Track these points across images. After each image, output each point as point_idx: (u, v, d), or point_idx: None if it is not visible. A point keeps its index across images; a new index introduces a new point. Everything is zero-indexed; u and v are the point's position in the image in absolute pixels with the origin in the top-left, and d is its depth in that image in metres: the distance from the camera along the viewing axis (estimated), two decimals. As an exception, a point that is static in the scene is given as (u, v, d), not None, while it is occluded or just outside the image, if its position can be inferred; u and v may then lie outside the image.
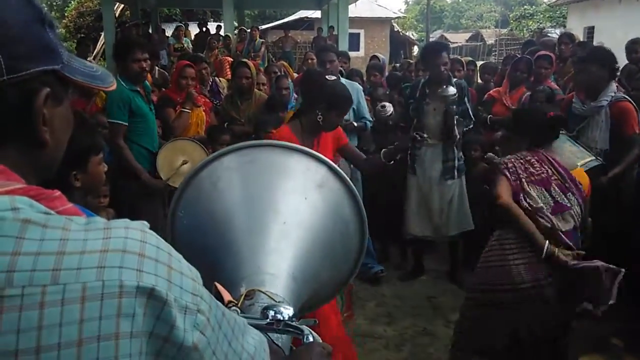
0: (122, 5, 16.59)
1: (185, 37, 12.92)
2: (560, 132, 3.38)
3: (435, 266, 4.55)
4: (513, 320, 2.61)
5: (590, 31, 16.16)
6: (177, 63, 4.49)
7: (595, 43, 13.45)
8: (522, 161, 2.69)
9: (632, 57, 5.21)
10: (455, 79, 4.08)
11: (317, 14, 18.56)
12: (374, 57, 6.08)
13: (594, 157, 3.27)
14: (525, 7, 35.22)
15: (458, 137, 3.91)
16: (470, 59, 6.45)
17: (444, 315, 3.81)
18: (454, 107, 3.85)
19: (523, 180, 2.63)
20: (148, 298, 0.57)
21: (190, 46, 12.24)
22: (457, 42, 34.31)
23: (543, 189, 2.63)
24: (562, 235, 2.58)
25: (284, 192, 1.46)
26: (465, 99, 4.02)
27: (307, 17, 21.93)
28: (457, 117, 3.89)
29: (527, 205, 2.58)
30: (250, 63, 4.55)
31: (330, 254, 1.48)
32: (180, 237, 1.43)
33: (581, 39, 12.95)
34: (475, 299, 2.78)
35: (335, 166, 1.53)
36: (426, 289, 4.23)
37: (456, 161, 4.00)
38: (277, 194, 1.44)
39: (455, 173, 4.01)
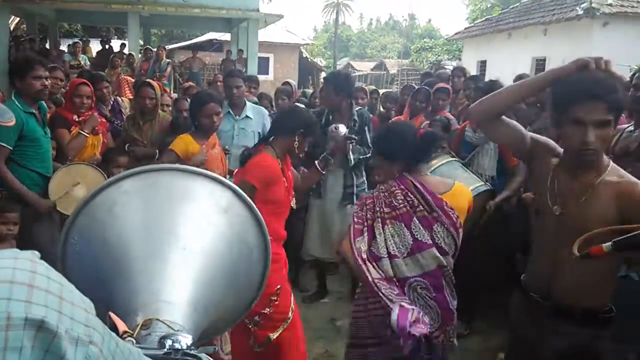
0: (18, 19, 15.61)
1: (83, 53, 12.34)
2: (454, 159, 3.62)
3: (339, 287, 4.63)
4: None
5: (482, 64, 17.44)
6: (72, 81, 4.30)
7: (487, 75, 14.57)
8: (385, 194, 2.40)
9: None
10: (357, 108, 4.23)
11: (226, 36, 18.53)
12: (286, 82, 6.17)
13: (483, 183, 3.52)
14: (425, 40, 37.45)
15: (352, 163, 4.03)
16: (373, 87, 6.74)
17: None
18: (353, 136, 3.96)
19: (378, 220, 2.37)
20: (37, 330, 0.55)
21: (88, 63, 11.70)
22: (362, 70, 35.62)
23: (403, 225, 2.33)
24: (394, 286, 2.30)
25: (185, 217, 1.43)
26: (366, 127, 4.14)
27: (216, 39, 21.81)
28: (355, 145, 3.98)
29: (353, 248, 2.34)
30: (155, 83, 4.44)
31: (232, 281, 1.46)
32: (73, 265, 1.35)
33: (474, 72, 13.95)
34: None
35: (241, 191, 1.52)
36: (329, 311, 4.28)
37: (355, 187, 4.12)
38: (178, 219, 1.40)
39: (354, 199, 4.12)
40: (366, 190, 4.22)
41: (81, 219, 1.29)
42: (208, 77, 14.87)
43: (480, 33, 18.23)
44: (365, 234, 2.36)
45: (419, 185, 2.36)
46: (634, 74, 3.29)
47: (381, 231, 2.34)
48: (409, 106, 4.96)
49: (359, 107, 4.34)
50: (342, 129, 3.92)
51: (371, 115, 5.27)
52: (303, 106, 4.16)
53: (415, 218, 2.32)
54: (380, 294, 2.25)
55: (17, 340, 0.54)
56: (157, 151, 4.01)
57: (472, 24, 21.57)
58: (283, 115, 3.18)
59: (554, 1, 15.55)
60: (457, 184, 2.50)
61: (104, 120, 4.17)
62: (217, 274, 1.35)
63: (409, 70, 28.87)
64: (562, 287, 1.92)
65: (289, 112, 3.13)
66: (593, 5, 12.54)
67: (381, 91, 7.29)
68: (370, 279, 2.27)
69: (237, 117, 4.29)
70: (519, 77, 5.89)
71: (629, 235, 1.04)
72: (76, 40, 13.72)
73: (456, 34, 20.98)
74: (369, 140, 4.15)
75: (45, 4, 12.28)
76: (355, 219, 2.41)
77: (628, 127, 3.01)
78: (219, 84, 6.27)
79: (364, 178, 4.25)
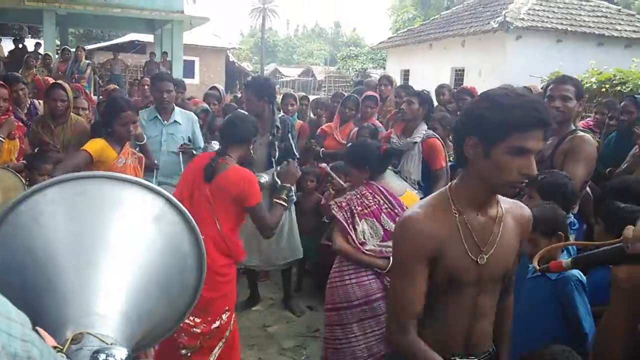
0: None
1: (-7, 53, 11.58)
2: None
3: (270, 294, 4.62)
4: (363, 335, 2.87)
5: (406, 73, 18.03)
6: (-15, 81, 4.01)
7: (411, 84, 15.03)
8: (358, 196, 2.96)
9: (440, 99, 5.93)
10: (280, 114, 4.24)
11: (149, 37, 18.01)
12: (214, 87, 6.09)
13: (414, 189, 3.64)
14: (351, 48, 38.18)
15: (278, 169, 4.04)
16: (303, 94, 6.78)
17: (278, 343, 3.88)
18: (277, 142, 3.99)
19: (355, 215, 2.91)
20: None
21: (1, 64, 11.00)
22: (290, 76, 35.80)
23: (374, 220, 2.92)
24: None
25: (116, 226, 1.38)
26: (289, 134, 4.13)
27: (138, 41, 21.13)
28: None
29: (351, 240, 2.89)
30: (66, 85, 4.22)
31: (166, 289, 1.43)
32: (-4, 278, 1.26)
33: (398, 81, 14.42)
34: (330, 318, 2.98)
35: (174, 199, 1.49)
36: (261, 318, 4.26)
37: None
38: (109, 228, 1.35)
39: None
40: (294, 197, 4.24)
41: (4, 228, 1.22)
42: (130, 79, 14.37)
43: (403, 43, 18.83)
44: (351, 227, 2.91)
45: (382, 189, 2.97)
46: (547, 85, 3.51)
47: (360, 225, 2.91)
48: (339, 113, 5.05)
49: (282, 114, 4.36)
50: (262, 179, 3.84)
51: (300, 122, 5.32)
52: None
53: (383, 213, 2.93)
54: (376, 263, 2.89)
55: None
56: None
57: (395, 34, 22.25)
58: (236, 123, 3.03)
59: (471, 14, 16.36)
60: (407, 190, 3.15)
61: (20, 124, 3.93)
62: (150, 283, 1.32)
63: (335, 77, 29.33)
64: (478, 337, 1.71)
65: (242, 120, 3.04)
66: (507, 19, 13.30)
67: (311, 97, 7.34)
68: (367, 259, 2.88)
69: (165, 122, 4.16)
70: (441, 87, 6.17)
71: (589, 252, 1.07)
72: (-14, 38, 12.85)
73: (380, 43, 21.55)
74: (293, 147, 4.15)
75: (-50, -2, 11.42)
76: (341, 220, 2.92)
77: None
78: (146, 87, 6.08)
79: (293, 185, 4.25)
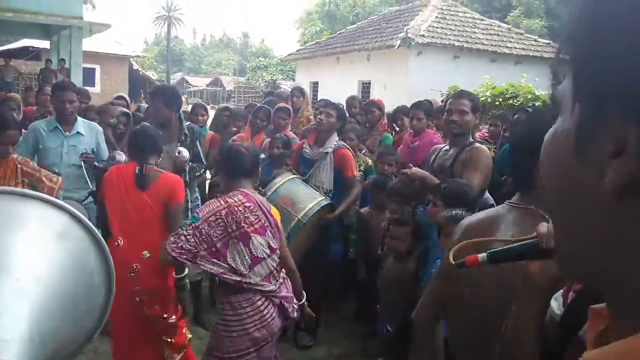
0: None
1: None
2: (295, 176, 3.78)
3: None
4: None
5: (315, 85, 18.34)
6: None
7: (319, 95, 15.33)
8: (241, 209, 2.57)
9: (351, 111, 6.09)
10: (188, 123, 4.18)
11: (45, 43, 16.94)
12: (121, 97, 5.84)
13: (324, 197, 3.71)
14: (260, 59, 38.26)
15: (188, 181, 3.98)
16: (225, 105, 6.66)
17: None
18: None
19: (248, 232, 2.58)
20: None
21: None
22: (198, 86, 35.16)
23: (262, 237, 2.62)
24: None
25: (16, 244, 1.31)
26: (197, 142, 4.09)
27: (32, 47, 19.81)
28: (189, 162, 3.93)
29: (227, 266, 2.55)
30: None
31: (71, 309, 1.36)
32: None
33: (308, 93, 14.61)
34: None
35: (79, 214, 1.43)
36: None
37: (189, 203, 4.04)
38: (8, 247, 1.28)
39: (189, 213, 4.03)
40: (199, 205, 4.17)
41: None
42: (23, 86, 13.44)
43: (312, 55, 19.16)
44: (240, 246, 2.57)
45: (260, 203, 2.68)
46: (446, 100, 3.73)
47: (252, 241, 2.57)
48: (250, 124, 5.04)
49: (189, 122, 4.29)
50: (185, 153, 3.85)
51: (212, 132, 5.23)
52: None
53: (268, 230, 2.65)
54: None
55: None
56: None
57: (304, 47, 22.58)
58: (151, 134, 3.18)
59: (375, 30, 17.00)
60: (272, 207, 2.86)
61: None
62: (54, 303, 1.26)
63: (245, 88, 29.20)
64: None
65: (153, 130, 3.23)
66: (409, 35, 13.95)
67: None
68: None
69: (67, 133, 3.95)
70: (352, 99, 6.34)
71: (504, 247, 1.09)
72: None
73: (289, 55, 21.79)
74: (201, 154, 4.12)
75: None
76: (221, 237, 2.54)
77: (444, 146, 3.39)
78: (45, 96, 5.71)
79: (198, 194, 4.20)
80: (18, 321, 1.08)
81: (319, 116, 4.14)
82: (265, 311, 2.61)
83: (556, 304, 1.19)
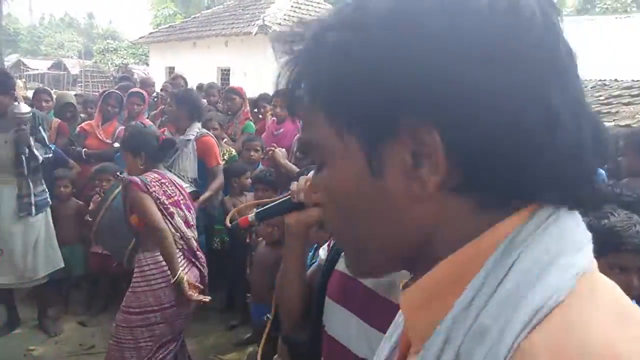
0: None
1: None
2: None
3: (33, 314, 4.10)
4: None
5: (171, 70, 17.59)
6: None
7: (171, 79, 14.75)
8: (158, 184, 2.82)
9: (210, 100, 5.97)
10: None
11: None
12: None
13: (188, 185, 3.62)
14: (109, 41, 35.73)
15: (27, 174, 3.62)
16: (70, 101, 5.85)
17: (47, 365, 3.52)
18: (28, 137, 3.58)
19: (167, 203, 2.81)
20: None
21: None
22: (37, 69, 31.88)
23: (178, 209, 2.89)
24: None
25: None
26: (40, 128, 3.76)
27: None
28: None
29: (174, 229, 2.80)
30: None
31: None
32: None
33: (163, 79, 14.03)
34: (127, 321, 2.79)
35: None
36: (25, 341, 3.79)
37: (32, 197, 3.68)
38: None
39: (33, 209, 3.70)
40: (49, 200, 3.83)
41: None
42: None
43: (166, 39, 18.38)
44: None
45: (172, 179, 3.01)
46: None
47: (174, 213, 2.83)
48: (100, 111, 4.72)
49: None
50: (25, 107, 3.60)
51: (58, 120, 4.81)
52: None
53: (182, 204, 2.93)
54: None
55: None
56: None
57: (157, 30, 21.56)
58: None
59: (232, 15, 16.78)
60: (185, 185, 3.21)
61: None
62: None
63: (93, 72, 27.12)
64: None
65: None
66: (266, 22, 13.99)
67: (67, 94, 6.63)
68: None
69: None
70: (210, 87, 6.22)
71: (266, 207, 1.29)
72: None
73: (141, 38, 20.67)
74: (46, 140, 3.80)
75: None
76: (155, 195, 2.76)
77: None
78: None
79: (44, 187, 3.83)
80: None
81: (168, 107, 4.04)
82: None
83: (323, 252, 1.39)
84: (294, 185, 1.24)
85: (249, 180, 4.00)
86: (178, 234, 2.83)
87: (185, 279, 2.73)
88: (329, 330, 1.23)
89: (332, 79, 0.46)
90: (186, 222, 2.93)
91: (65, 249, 4.00)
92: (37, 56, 45.56)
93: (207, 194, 3.83)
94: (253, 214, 1.28)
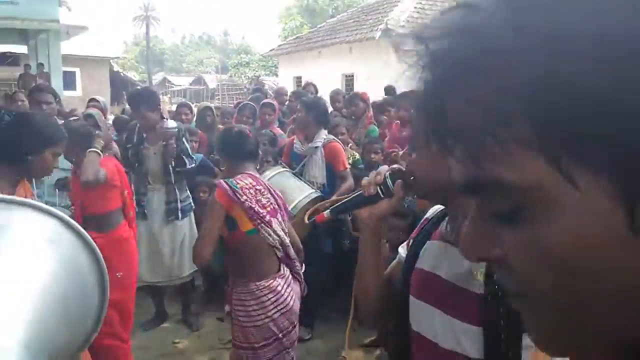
0: None
1: None
2: (285, 169, 3.77)
3: (178, 310, 4.47)
4: None
5: (298, 80, 18.28)
6: None
7: (302, 88, 15.26)
8: (252, 191, 2.55)
9: (335, 106, 6.08)
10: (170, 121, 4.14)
11: (23, 48, 16.70)
12: (93, 99, 5.78)
13: (314, 190, 3.71)
14: (242, 55, 38.06)
15: (174, 182, 3.97)
16: (207, 104, 6.54)
17: (190, 358, 3.82)
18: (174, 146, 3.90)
19: (263, 212, 2.56)
20: None
21: None
22: (180, 85, 34.88)
23: (275, 220, 2.62)
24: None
25: (7, 253, 1.28)
26: (183, 138, 4.04)
27: (10, 52, 19.52)
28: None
29: (275, 235, 2.58)
30: None
31: (66, 314, 1.35)
32: None
33: (291, 88, 14.59)
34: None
35: (69, 219, 1.41)
36: (171, 335, 4.13)
37: (179, 202, 4.03)
38: (-1, 256, 1.25)
39: (179, 214, 4.03)
40: (192, 204, 4.15)
41: None
42: (6, 93, 13.24)
43: (293, 50, 19.11)
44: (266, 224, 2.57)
45: (267, 185, 2.69)
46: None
47: (272, 221, 2.57)
48: (236, 122, 5.01)
49: (171, 121, 4.24)
50: (172, 123, 3.85)
51: (199, 131, 5.19)
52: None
53: (278, 214, 2.65)
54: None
55: None
56: None
57: (285, 42, 22.51)
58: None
59: (355, 22, 16.98)
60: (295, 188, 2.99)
61: None
62: (49, 308, 1.24)
63: (228, 86, 29.03)
64: None
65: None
66: (388, 27, 13.95)
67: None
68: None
69: (50, 137, 3.89)
70: (336, 94, 6.33)
71: (340, 203, 1.37)
72: None
73: (271, 50, 21.69)
74: (189, 150, 4.09)
75: None
76: (261, 211, 2.54)
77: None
78: (20, 103, 5.62)
79: (188, 192, 4.16)
80: (14, 329, 1.07)
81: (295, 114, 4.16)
82: (286, 294, 2.60)
83: (403, 250, 1.40)
84: (364, 180, 1.29)
85: None
86: (278, 240, 2.60)
87: None
88: (414, 327, 1.24)
89: (567, 102, 0.32)
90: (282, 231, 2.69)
91: (205, 247, 4.27)
92: (180, 73, 49.87)
93: (333, 199, 3.89)
94: (328, 211, 1.35)
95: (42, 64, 12.94)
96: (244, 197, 2.47)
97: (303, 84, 17.28)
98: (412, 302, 1.26)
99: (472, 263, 1.10)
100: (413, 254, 1.30)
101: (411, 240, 1.37)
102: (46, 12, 12.28)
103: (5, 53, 19.70)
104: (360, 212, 1.31)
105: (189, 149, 4.07)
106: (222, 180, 2.55)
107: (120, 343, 3.08)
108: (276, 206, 2.65)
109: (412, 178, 1.24)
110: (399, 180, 1.27)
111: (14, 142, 2.19)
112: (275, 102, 5.30)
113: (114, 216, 3.15)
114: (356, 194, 1.33)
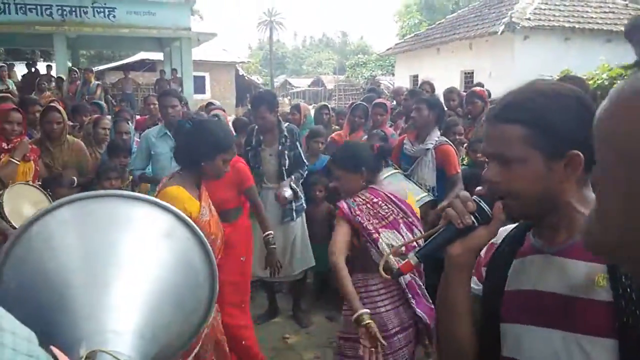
0: None
1: (9, 78, 11.79)
2: (397, 171, 3.72)
3: (289, 306, 4.61)
4: None
5: (415, 79, 18.00)
6: (0, 106, 4.07)
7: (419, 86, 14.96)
8: (369, 205, 2.61)
9: (450, 104, 5.86)
10: (286, 124, 4.25)
11: (159, 55, 18.22)
12: (210, 103, 6.13)
13: (427, 193, 3.62)
14: (359, 56, 38.26)
15: (290, 199, 4.06)
16: (323, 103, 6.71)
17: (298, 354, 3.90)
18: (286, 152, 4.05)
19: (378, 228, 2.56)
20: None
21: (14, 88, 11.20)
22: (300, 87, 35.97)
23: (395, 232, 2.58)
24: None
25: (127, 244, 1.39)
26: (297, 143, 4.15)
27: (148, 59, 21.39)
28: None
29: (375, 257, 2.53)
30: (61, 107, 4.36)
31: (179, 305, 1.43)
32: (9, 303, 1.27)
33: (408, 86, 14.39)
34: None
35: (183, 214, 1.50)
36: (281, 330, 4.27)
37: (294, 204, 4.13)
38: (120, 247, 1.36)
39: (294, 215, 4.14)
40: (304, 205, 4.24)
41: (17, 250, 1.23)
42: (142, 97, 14.53)
43: (411, 48, 18.84)
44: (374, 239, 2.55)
45: (390, 195, 2.66)
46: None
47: (383, 236, 2.54)
48: (348, 122, 5.06)
49: (287, 123, 4.36)
50: (287, 193, 3.95)
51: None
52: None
53: (402, 224, 2.59)
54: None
55: None
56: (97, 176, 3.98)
57: (402, 40, 22.26)
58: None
59: (477, 17, 16.33)
60: (408, 192, 2.85)
61: (34, 146, 3.97)
62: (163, 299, 1.33)
63: (345, 86, 29.38)
64: None
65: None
66: (513, 20, 13.25)
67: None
68: (350, 292, 2.45)
69: (175, 138, 4.19)
70: (449, 92, 6.12)
71: (426, 243, 1.14)
72: (0, 64, 13.09)
73: (388, 49, 21.58)
74: (301, 155, 4.17)
75: (-37, 26, 11.67)
76: (369, 227, 2.54)
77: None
78: (152, 106, 6.15)
79: (302, 193, 4.26)
80: (128, 316, 1.16)
81: (412, 114, 4.05)
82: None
83: (474, 282, 1.22)
84: (450, 212, 1.12)
85: None
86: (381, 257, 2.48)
87: (367, 321, 2.31)
88: (519, 357, 1.11)
89: None
90: (406, 246, 2.52)
91: (317, 247, 4.34)
92: (300, 75, 51.38)
93: (444, 203, 3.76)
94: (414, 256, 1.14)
95: (175, 70, 13.99)
96: (358, 213, 2.57)
97: (419, 82, 17.03)
98: (507, 331, 1.13)
99: (590, 270, 1.00)
100: (497, 280, 1.17)
101: (483, 269, 1.24)
102: (180, 21, 13.26)
103: (144, 60, 21.62)
104: (450, 250, 1.13)
105: (302, 153, 4.17)
106: (342, 201, 2.66)
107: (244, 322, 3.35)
108: (398, 216, 2.63)
109: (501, 197, 1.11)
110: (499, 202, 1.11)
111: (191, 149, 2.41)
112: (387, 102, 5.26)
113: (239, 209, 3.49)
114: (443, 228, 1.14)
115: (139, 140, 4.64)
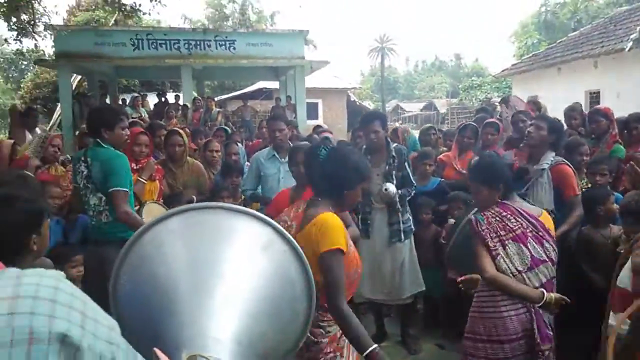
0: (80, 77, 16.67)
1: (142, 107, 13.00)
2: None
3: (397, 331, 4.50)
4: None
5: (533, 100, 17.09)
6: (131, 130, 4.50)
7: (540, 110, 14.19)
8: (498, 218, 2.72)
9: (571, 123, 5.47)
10: (394, 145, 4.21)
11: (275, 84, 19.08)
12: (318, 126, 6.27)
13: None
14: (473, 78, 37.25)
15: (400, 210, 4.04)
16: (430, 125, 6.66)
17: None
18: (394, 172, 4.02)
19: (504, 240, 2.69)
20: (61, 344, 0.57)
21: (146, 116, 12.33)
22: (411, 111, 35.72)
23: (521, 245, 2.68)
24: None
25: (229, 254, 1.45)
26: (405, 163, 4.11)
27: (265, 88, 22.47)
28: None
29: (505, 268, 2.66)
30: (182, 131, 4.70)
31: (276, 317, 1.46)
32: (124, 304, 1.38)
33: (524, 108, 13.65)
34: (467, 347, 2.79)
35: (281, 228, 1.54)
36: (388, 355, 4.17)
37: (401, 224, 4.07)
38: (222, 257, 1.42)
39: (402, 235, 4.07)
40: (412, 226, 4.16)
41: (131, 257, 1.33)
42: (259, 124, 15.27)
43: (529, 69, 17.98)
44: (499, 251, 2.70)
45: (521, 210, 2.74)
46: None
47: (504, 251, 2.68)
48: (457, 142, 4.92)
49: (395, 144, 4.31)
50: (392, 188, 3.93)
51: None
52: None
53: (530, 237, 2.68)
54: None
55: (42, 354, 0.55)
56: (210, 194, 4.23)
57: (520, 60, 21.34)
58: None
59: (601, 34, 15.23)
60: (543, 211, 2.88)
61: (159, 167, 4.31)
62: (261, 310, 1.35)
63: (458, 110, 28.69)
64: None
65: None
66: (644, 35, 12.19)
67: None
68: (526, 289, 2.63)
69: (283, 159, 4.28)
70: (571, 110, 5.71)
71: None
72: (135, 94, 14.48)
73: (504, 70, 20.79)
74: (410, 175, 4.12)
75: (104, 61, 13.07)
76: (488, 237, 2.70)
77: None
78: (264, 130, 6.45)
79: (409, 214, 4.19)
80: (228, 323, 1.20)
81: (528, 129, 3.83)
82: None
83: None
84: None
85: (616, 206, 3.50)
86: (509, 269, 2.67)
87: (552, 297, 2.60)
88: None
89: None
90: (532, 258, 2.69)
91: (425, 271, 4.24)
92: (412, 100, 51.03)
93: (564, 227, 3.51)
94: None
95: (289, 97, 14.56)
96: (483, 227, 2.72)
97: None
98: None
99: None
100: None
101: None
102: (294, 51, 13.82)
103: (262, 89, 22.75)
104: None
105: (410, 174, 4.12)
106: (472, 216, 2.83)
107: None
108: (527, 230, 2.70)
109: None
110: None
111: (333, 177, 2.31)
112: (499, 123, 5.04)
113: None
114: None
115: (249, 163, 4.91)
